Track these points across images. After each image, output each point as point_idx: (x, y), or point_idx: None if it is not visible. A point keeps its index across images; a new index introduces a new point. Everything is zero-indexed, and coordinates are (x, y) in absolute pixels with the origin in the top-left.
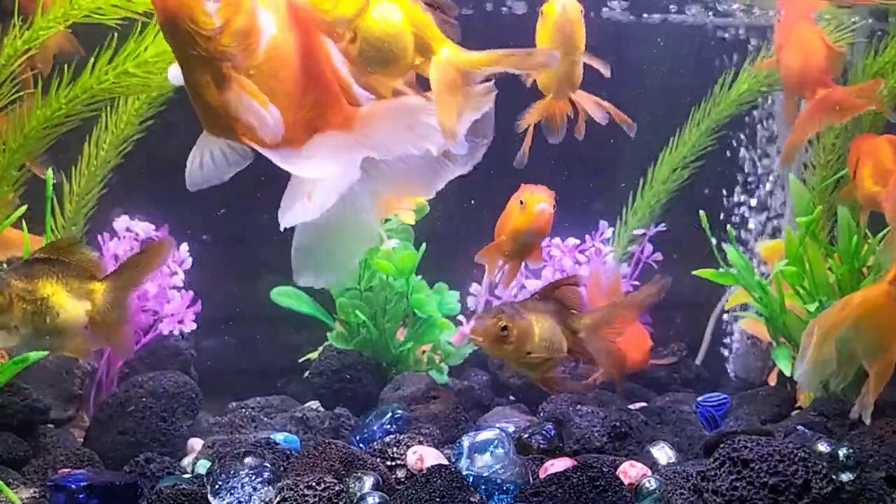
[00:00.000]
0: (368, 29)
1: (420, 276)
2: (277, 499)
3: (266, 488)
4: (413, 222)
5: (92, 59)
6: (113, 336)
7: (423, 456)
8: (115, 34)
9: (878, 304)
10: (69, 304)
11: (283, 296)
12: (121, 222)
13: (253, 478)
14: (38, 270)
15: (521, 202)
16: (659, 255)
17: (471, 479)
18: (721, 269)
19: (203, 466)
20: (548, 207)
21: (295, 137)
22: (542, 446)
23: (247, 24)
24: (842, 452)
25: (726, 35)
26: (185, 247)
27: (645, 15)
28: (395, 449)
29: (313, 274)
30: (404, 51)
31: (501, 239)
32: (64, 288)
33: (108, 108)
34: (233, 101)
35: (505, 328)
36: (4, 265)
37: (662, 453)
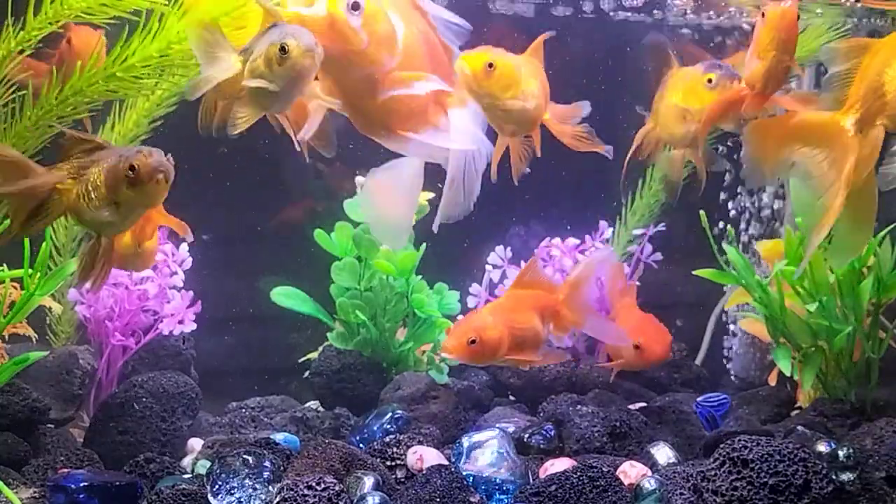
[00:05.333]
0: None
1: (420, 276)
2: (277, 499)
3: (266, 488)
4: (413, 222)
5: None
6: None
7: (423, 456)
8: (105, 35)
9: (827, 131)
10: None
11: (283, 296)
12: None
13: (253, 478)
14: None
15: None
16: (659, 255)
17: (471, 479)
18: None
19: (203, 466)
20: None
21: (431, 120)
22: (542, 446)
23: (388, 30)
24: (842, 452)
25: (723, 35)
26: (185, 247)
27: (642, 14)
28: (395, 449)
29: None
30: None
31: None
32: None
33: (117, 109)
34: (388, 101)
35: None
36: None
37: (662, 453)
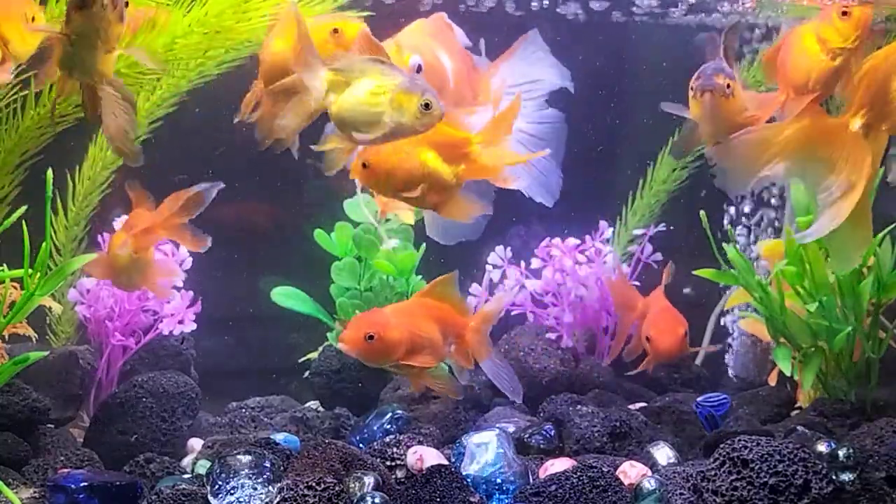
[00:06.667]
0: None
1: (420, 276)
2: (277, 499)
3: (266, 488)
4: (413, 222)
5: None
6: None
7: (423, 456)
8: None
9: (834, 137)
10: None
11: (283, 296)
12: (121, 222)
13: (253, 478)
14: None
15: None
16: (659, 255)
17: (470, 479)
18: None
19: (203, 466)
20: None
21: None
22: (542, 446)
23: (441, 77)
24: (842, 452)
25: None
26: (185, 247)
27: (639, 14)
28: (395, 449)
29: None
30: None
31: None
32: None
33: None
34: None
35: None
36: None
37: (662, 453)
